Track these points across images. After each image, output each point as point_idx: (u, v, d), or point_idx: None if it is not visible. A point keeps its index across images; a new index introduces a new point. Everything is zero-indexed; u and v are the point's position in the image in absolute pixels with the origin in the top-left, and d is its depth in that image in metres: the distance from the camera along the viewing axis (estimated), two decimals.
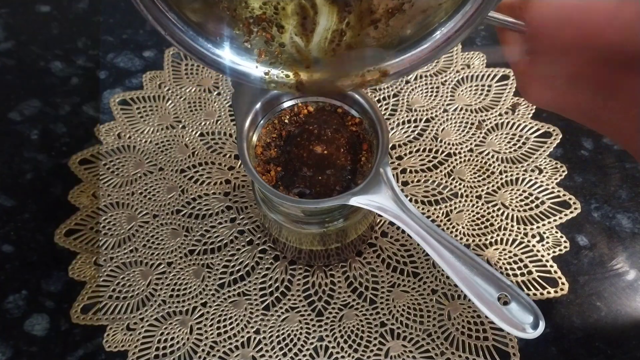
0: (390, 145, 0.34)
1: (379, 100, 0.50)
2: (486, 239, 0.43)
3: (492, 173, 0.46)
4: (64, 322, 0.40)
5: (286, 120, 0.37)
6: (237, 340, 0.39)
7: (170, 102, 0.50)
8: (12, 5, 0.57)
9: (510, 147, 0.47)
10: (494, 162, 0.46)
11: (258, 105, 0.35)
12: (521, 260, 0.42)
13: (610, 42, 0.23)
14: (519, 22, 0.25)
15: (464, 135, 0.48)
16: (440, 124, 0.49)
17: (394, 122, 0.49)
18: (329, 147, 0.35)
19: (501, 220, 0.44)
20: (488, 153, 0.47)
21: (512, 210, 0.44)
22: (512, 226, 0.43)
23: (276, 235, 0.40)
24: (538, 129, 0.48)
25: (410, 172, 0.46)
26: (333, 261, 0.42)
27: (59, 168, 0.47)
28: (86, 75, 0.52)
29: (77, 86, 0.52)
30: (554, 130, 0.48)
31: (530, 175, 0.46)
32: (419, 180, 0.46)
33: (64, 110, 0.50)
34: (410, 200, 0.45)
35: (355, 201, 0.30)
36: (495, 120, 0.49)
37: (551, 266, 0.42)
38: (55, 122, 0.50)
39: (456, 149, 0.47)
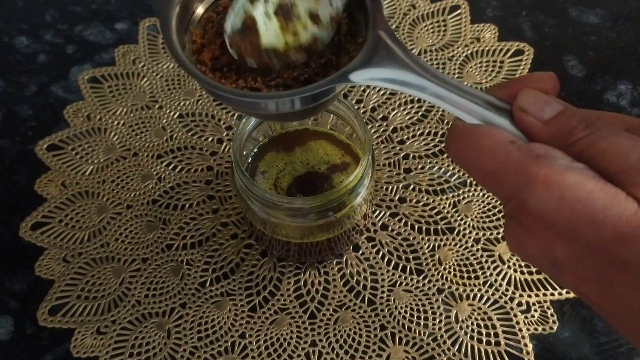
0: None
1: None
2: (498, 233, 0.42)
3: None
4: (30, 324, 0.40)
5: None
6: (220, 346, 0.39)
7: (145, 79, 0.49)
8: None
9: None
10: None
11: None
12: None
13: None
14: None
15: None
16: None
17: (395, 102, 0.48)
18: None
19: None
20: None
21: None
22: None
23: (261, 228, 0.38)
24: None
25: (414, 157, 0.45)
26: (326, 256, 0.41)
27: (25, 155, 0.46)
28: (55, 52, 0.51)
29: (44, 64, 0.50)
30: None
31: None
32: (423, 167, 0.45)
33: (30, 91, 0.49)
34: (414, 189, 0.44)
35: (359, 77, 0.25)
36: None
37: None
38: (20, 104, 0.48)
39: None
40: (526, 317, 0.39)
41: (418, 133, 0.46)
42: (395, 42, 0.25)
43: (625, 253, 0.20)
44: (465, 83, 0.48)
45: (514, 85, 0.25)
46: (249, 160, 0.40)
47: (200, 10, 0.30)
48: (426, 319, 0.39)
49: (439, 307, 0.39)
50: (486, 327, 0.38)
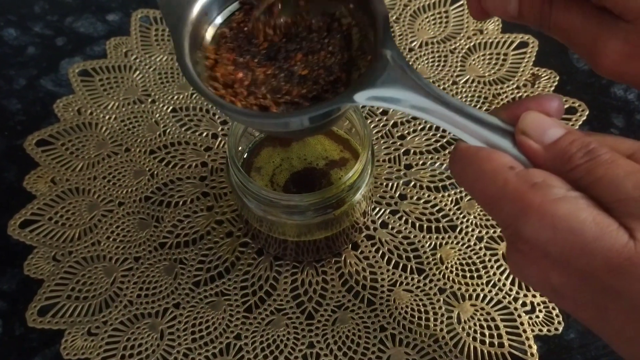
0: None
1: None
2: (501, 231, 0.41)
3: None
4: (19, 325, 0.39)
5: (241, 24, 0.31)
6: (214, 347, 0.38)
7: (137, 72, 0.49)
8: None
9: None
10: None
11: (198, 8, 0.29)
12: None
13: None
14: None
15: None
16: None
17: None
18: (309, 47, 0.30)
19: None
20: None
21: None
22: None
23: (257, 226, 0.38)
24: None
25: (415, 153, 0.45)
26: (324, 255, 0.41)
27: (13, 150, 0.46)
28: (44, 44, 0.51)
29: (33, 57, 0.50)
30: (579, 106, 0.46)
31: None
32: (424, 163, 0.44)
33: (19, 85, 0.49)
34: (415, 186, 0.44)
35: (363, 98, 0.26)
36: (512, 93, 0.47)
37: None
38: (9, 98, 0.48)
39: None
40: (531, 318, 0.38)
41: (419, 128, 0.46)
42: (401, 62, 0.26)
43: (616, 283, 0.21)
44: (468, 76, 0.48)
45: (518, 107, 0.25)
46: (245, 156, 0.40)
47: (213, 27, 0.30)
48: (427, 319, 0.39)
49: (440, 308, 0.39)
50: (489, 328, 0.38)
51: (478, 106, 0.46)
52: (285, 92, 0.28)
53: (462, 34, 0.50)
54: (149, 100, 0.47)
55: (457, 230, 0.42)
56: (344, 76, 0.29)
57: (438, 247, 0.41)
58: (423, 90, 0.25)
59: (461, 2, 0.51)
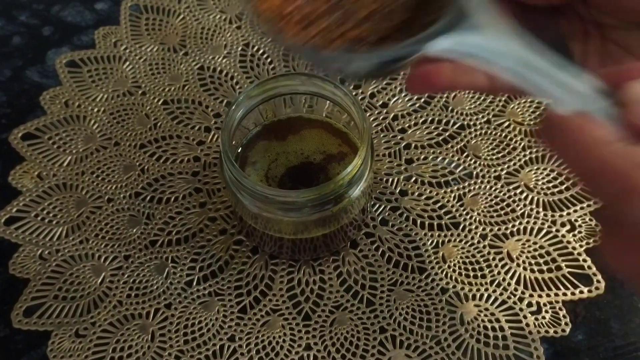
0: None
1: None
2: (506, 228, 0.42)
3: (514, 149, 0.45)
4: (4, 327, 0.39)
5: None
6: (207, 349, 0.38)
7: (127, 63, 0.49)
8: None
9: (536, 118, 0.46)
10: (515, 135, 0.45)
11: None
12: (548, 253, 0.41)
13: None
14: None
15: (479, 104, 0.46)
16: (452, 90, 0.47)
17: (395, 88, 0.47)
18: None
19: (524, 205, 0.43)
20: (509, 125, 0.46)
21: (538, 193, 0.43)
22: (538, 212, 0.42)
23: (252, 223, 0.38)
24: None
25: (416, 147, 0.45)
26: (322, 253, 0.41)
27: None
28: (30, 34, 0.51)
29: (19, 47, 0.50)
30: None
31: None
32: (425, 158, 0.44)
33: (4, 76, 0.49)
34: (416, 181, 0.43)
35: (439, 46, 0.22)
36: None
37: (584, 260, 0.40)
38: None
39: (470, 119, 0.46)
40: (537, 319, 0.38)
41: (420, 121, 0.46)
42: (490, 3, 0.23)
43: None
44: None
45: (619, 73, 0.23)
46: (239, 150, 0.40)
47: None
48: (429, 320, 0.39)
49: (442, 308, 0.39)
50: (493, 329, 0.38)
51: (482, 98, 0.46)
52: (351, 26, 0.25)
53: None
54: (139, 92, 0.47)
55: (460, 227, 0.42)
56: (414, 18, 0.25)
57: (440, 245, 0.41)
58: (521, 40, 0.22)
59: None
